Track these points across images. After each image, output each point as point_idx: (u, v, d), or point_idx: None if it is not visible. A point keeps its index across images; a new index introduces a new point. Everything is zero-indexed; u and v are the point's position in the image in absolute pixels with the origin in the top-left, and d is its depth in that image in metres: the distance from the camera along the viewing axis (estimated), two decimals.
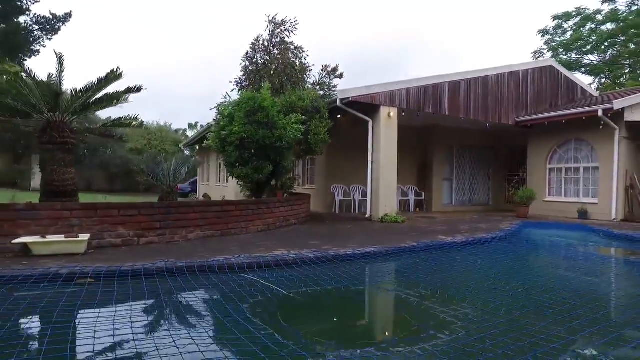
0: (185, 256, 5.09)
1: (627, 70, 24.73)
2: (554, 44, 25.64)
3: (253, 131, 8.22)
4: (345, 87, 10.58)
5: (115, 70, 6.32)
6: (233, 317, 3.19)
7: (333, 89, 11.10)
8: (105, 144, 25.43)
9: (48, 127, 6.13)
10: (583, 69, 25.25)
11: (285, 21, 11.68)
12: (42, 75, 6.22)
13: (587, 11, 23.89)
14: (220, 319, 3.14)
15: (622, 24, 22.39)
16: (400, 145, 10.73)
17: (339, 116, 11.02)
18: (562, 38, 25.30)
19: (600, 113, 10.56)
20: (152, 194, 26.66)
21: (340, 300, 4.02)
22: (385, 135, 10.50)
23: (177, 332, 2.98)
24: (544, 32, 25.86)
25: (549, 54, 25.50)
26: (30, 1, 20.22)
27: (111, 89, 6.53)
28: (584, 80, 18.50)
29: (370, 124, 10.63)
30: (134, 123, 7.41)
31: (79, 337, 2.83)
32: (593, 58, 25.19)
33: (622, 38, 23.02)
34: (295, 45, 11.73)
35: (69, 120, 6.40)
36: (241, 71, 11.90)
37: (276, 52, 11.64)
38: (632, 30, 21.99)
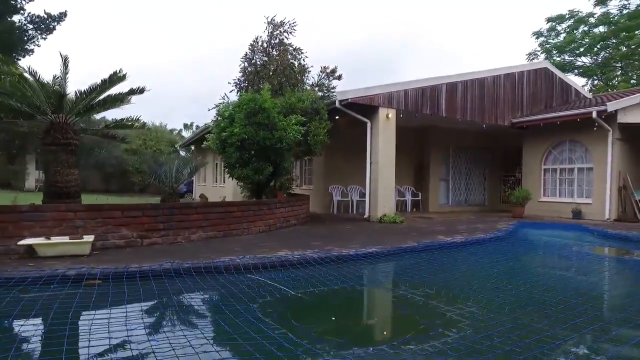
0: (190, 257, 5.12)
1: (618, 73, 25.12)
2: (548, 45, 25.97)
3: (253, 132, 8.26)
4: (344, 88, 10.66)
5: (118, 71, 6.34)
6: (245, 317, 3.24)
7: (332, 90, 11.15)
8: (100, 144, 25.28)
9: (51, 129, 6.13)
10: (576, 71, 25.61)
11: (284, 22, 11.70)
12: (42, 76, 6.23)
13: (580, 14, 24.24)
14: (232, 319, 3.19)
15: (613, 27, 22.75)
16: (397, 145, 10.84)
17: (337, 117, 11.09)
18: (556, 40, 25.64)
19: (594, 115, 10.75)
20: (148, 195, 26.59)
21: (347, 300, 4.09)
22: (383, 137, 10.60)
23: (192, 332, 3.04)
24: (538, 34, 26.19)
25: (543, 56, 25.81)
26: (24, 0, 20.06)
27: (114, 90, 6.55)
28: (577, 81, 18.78)
29: (369, 125, 10.72)
30: (136, 124, 7.42)
31: (95, 338, 2.87)
32: (586, 60, 25.57)
33: (614, 41, 23.39)
34: (294, 46, 11.77)
35: (72, 122, 6.41)
36: (240, 72, 11.89)
37: (275, 53, 11.66)
38: (624, 33, 22.35)
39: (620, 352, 2.79)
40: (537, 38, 26.38)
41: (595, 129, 11.13)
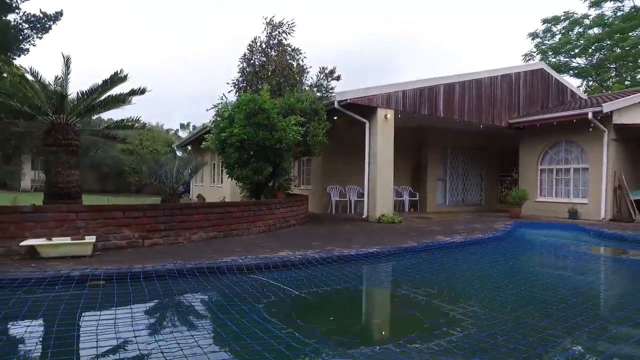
0: (192, 257, 5.14)
1: (613, 74, 25.37)
2: (543, 47, 26.18)
3: (253, 133, 8.27)
4: (343, 88, 10.70)
5: (119, 72, 6.33)
6: (251, 317, 3.27)
7: (330, 91, 11.19)
8: (96, 144, 25.15)
9: (52, 129, 6.11)
10: (571, 72, 25.84)
11: (282, 23, 11.71)
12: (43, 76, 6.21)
13: (575, 15, 24.45)
14: (239, 319, 3.21)
15: (607, 29, 22.98)
16: (394, 146, 10.89)
17: (335, 118, 11.13)
18: (552, 41, 25.85)
19: (590, 116, 10.86)
20: (144, 195, 26.51)
21: (351, 300, 4.13)
22: (382, 137, 10.65)
23: (199, 332, 3.06)
24: (534, 35, 26.39)
25: (539, 57, 26.02)
26: None
27: (115, 90, 6.55)
28: (572, 82, 18.93)
29: (367, 125, 10.77)
30: (137, 124, 7.41)
31: (103, 339, 2.88)
32: (581, 61, 25.80)
33: (608, 42, 23.63)
34: (293, 47, 11.78)
35: (73, 122, 6.39)
36: (238, 72, 11.89)
37: (273, 53, 11.68)
38: (618, 35, 22.58)
39: (621, 351, 2.85)
40: (533, 39, 26.60)
41: (591, 129, 11.25)
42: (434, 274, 5.09)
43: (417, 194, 14.34)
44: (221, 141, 8.81)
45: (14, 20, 20.88)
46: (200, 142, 13.21)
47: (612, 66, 24.95)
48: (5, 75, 5.99)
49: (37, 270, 4.25)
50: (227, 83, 12.02)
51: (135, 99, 7.29)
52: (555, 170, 12.73)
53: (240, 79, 11.88)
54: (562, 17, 24.90)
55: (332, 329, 3.29)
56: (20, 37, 21.29)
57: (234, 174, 8.92)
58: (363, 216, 10.94)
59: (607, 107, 10.79)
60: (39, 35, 21.58)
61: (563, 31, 25.15)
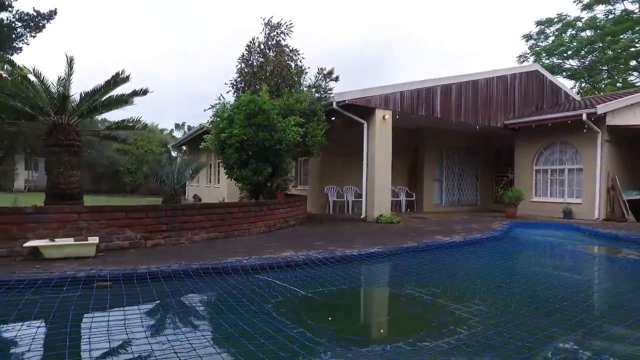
0: (196, 258, 5.15)
1: (605, 76, 25.75)
2: (537, 48, 26.48)
3: (253, 134, 8.29)
4: (341, 88, 10.77)
5: (121, 72, 6.33)
6: (261, 317, 3.31)
7: (329, 92, 11.25)
8: (91, 144, 24.91)
9: (54, 130, 6.09)
10: (564, 73, 26.17)
11: (280, 24, 11.75)
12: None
13: (568, 18, 24.77)
14: (249, 319, 3.25)
15: (600, 31, 23.32)
16: (391, 146, 10.97)
17: (333, 118, 11.18)
18: (545, 43, 26.16)
19: (584, 117, 11.04)
20: (139, 195, 26.36)
21: (357, 299, 4.18)
22: (380, 138, 10.72)
23: (210, 332, 3.09)
24: (528, 37, 26.68)
25: (532, 58, 26.33)
26: None
27: (117, 91, 6.53)
28: (565, 84, 19.19)
29: (365, 126, 10.83)
30: (138, 125, 7.40)
31: (115, 339, 2.90)
32: (573, 63, 26.14)
33: (600, 45, 23.97)
34: (291, 47, 11.82)
35: (75, 123, 6.37)
36: (236, 73, 11.90)
37: (272, 54, 11.70)
38: (609, 38, 22.92)
39: (623, 348, 2.93)
40: (527, 41, 26.90)
41: (585, 130, 11.42)
42: (437, 273, 5.16)
43: (414, 194, 14.45)
44: (221, 142, 8.82)
45: (7, 19, 20.65)
46: (196, 143, 13.18)
47: (604, 68, 25.31)
48: (4, 74, 5.94)
49: (42, 272, 4.24)
50: (225, 83, 12.03)
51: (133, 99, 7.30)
52: (550, 171, 12.90)
53: (239, 79, 11.88)
54: (556, 20, 25.23)
55: (342, 328, 3.34)
56: (14, 36, 21.07)
57: (234, 175, 8.93)
58: (361, 216, 11.01)
59: (601, 109, 10.96)
60: (33, 34, 21.38)
61: (556, 33, 25.48)
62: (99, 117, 24.50)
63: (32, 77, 5.80)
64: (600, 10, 23.88)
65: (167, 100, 69.83)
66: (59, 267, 4.49)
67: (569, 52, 25.28)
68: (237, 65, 11.91)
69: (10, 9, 20.53)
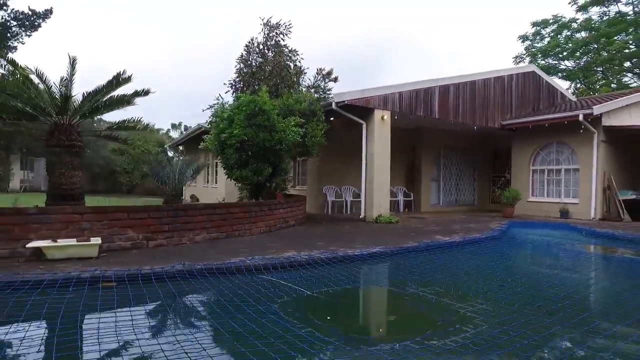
0: (199, 258, 5.16)
1: (599, 76, 26.00)
2: (533, 49, 26.68)
3: (254, 134, 8.31)
4: (338, 88, 10.82)
5: (122, 73, 6.31)
6: (269, 317, 3.33)
7: (328, 92, 11.30)
8: (87, 144, 24.81)
9: (56, 130, 6.07)
10: (560, 74, 26.39)
11: (279, 24, 11.79)
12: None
13: (563, 19, 24.98)
14: (258, 319, 3.27)
15: (594, 33, 23.54)
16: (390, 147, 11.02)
17: (331, 118, 11.21)
18: (541, 44, 26.37)
19: (581, 117, 11.15)
20: (135, 195, 26.25)
21: (362, 299, 4.22)
22: (379, 138, 10.77)
23: (219, 332, 3.10)
24: (523, 38, 26.88)
25: (528, 59, 26.52)
26: None
27: (119, 91, 6.52)
28: (561, 84, 19.34)
29: (364, 126, 10.87)
30: (139, 125, 7.39)
31: (126, 340, 2.91)
32: (569, 64, 26.37)
33: (595, 46, 24.20)
34: (290, 48, 11.87)
35: (77, 123, 6.35)
36: (235, 73, 11.93)
37: (271, 54, 11.74)
38: (604, 39, 23.14)
39: (627, 347, 2.98)
40: (523, 42, 27.11)
41: (581, 131, 11.54)
42: (439, 272, 5.21)
43: (412, 194, 14.51)
44: (221, 142, 8.82)
45: (2, 18, 20.50)
46: (194, 143, 13.16)
47: (599, 69, 25.56)
48: (4, 73, 5.91)
49: (47, 272, 4.23)
50: (224, 84, 12.06)
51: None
52: (546, 171, 13.02)
53: (237, 79, 11.91)
54: (551, 21, 25.43)
55: (349, 327, 3.37)
56: (9, 35, 20.90)
57: (234, 175, 8.93)
58: (360, 216, 11.05)
59: (597, 110, 11.08)
60: (28, 33, 21.23)
61: (552, 34, 25.69)
62: (95, 117, 24.37)
63: (33, 77, 5.78)
64: (595, 11, 24.15)
65: (163, 100, 69.59)
66: (63, 268, 4.48)
67: (565, 53, 25.51)
68: (235, 66, 11.94)
69: (5, 7, 20.37)
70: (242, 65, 11.87)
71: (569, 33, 25.11)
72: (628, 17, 22.89)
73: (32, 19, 20.51)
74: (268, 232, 8.02)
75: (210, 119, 10.76)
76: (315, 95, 10.98)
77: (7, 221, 5.09)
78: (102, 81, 6.33)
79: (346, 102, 10.24)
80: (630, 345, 2.97)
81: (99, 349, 2.70)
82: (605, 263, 6.75)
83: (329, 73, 11.55)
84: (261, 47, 11.80)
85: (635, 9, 23.02)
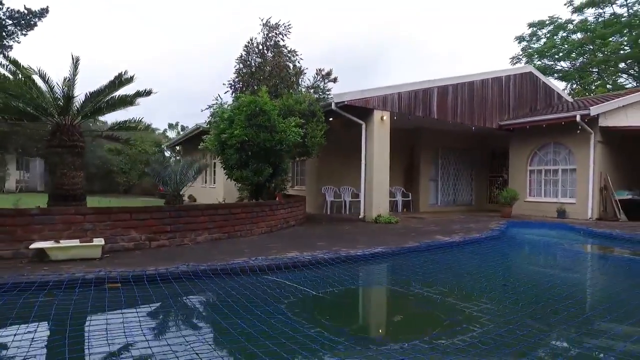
0: (202, 259, 5.16)
1: (595, 77, 26.22)
2: (530, 50, 26.86)
3: (254, 134, 8.31)
4: (337, 88, 10.84)
5: (124, 73, 6.30)
6: (277, 318, 3.35)
7: (327, 93, 11.33)
8: (85, 144, 24.68)
9: (57, 131, 6.04)
10: (556, 75, 26.58)
11: (279, 25, 11.80)
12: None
13: (559, 20, 25.16)
14: (266, 319, 3.28)
15: (590, 34, 23.74)
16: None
17: (330, 119, 11.24)
18: (537, 45, 26.55)
19: (578, 118, 11.25)
20: (132, 195, 26.12)
21: (367, 299, 4.24)
22: (378, 139, 10.81)
23: (229, 333, 3.11)
24: (520, 39, 27.05)
25: (525, 60, 26.71)
26: None
27: (120, 92, 6.50)
28: (557, 85, 19.50)
29: (364, 127, 10.91)
30: (140, 126, 7.37)
31: (137, 340, 2.92)
32: (565, 65, 26.57)
33: (591, 47, 24.41)
34: (289, 48, 11.89)
35: (78, 124, 6.33)
36: (234, 73, 11.93)
37: (270, 55, 11.75)
38: (599, 40, 23.35)
39: (631, 346, 3.03)
40: (520, 42, 27.28)
41: (578, 131, 11.64)
42: (442, 272, 5.25)
43: (410, 194, 14.57)
44: (221, 142, 8.82)
45: None
46: (192, 143, 13.14)
47: (594, 70, 25.77)
48: (6, 73, 5.87)
49: (51, 273, 4.22)
50: (224, 84, 12.04)
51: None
52: (544, 171, 13.12)
53: (237, 79, 11.90)
54: (547, 22, 25.61)
55: (357, 327, 3.39)
56: (4, 34, 20.75)
57: (234, 175, 8.93)
58: (360, 216, 11.08)
59: (594, 110, 11.19)
60: (24, 32, 21.11)
61: (548, 35, 25.88)
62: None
63: (36, 78, 5.75)
64: (590, 13, 24.36)
65: (161, 99, 69.21)
66: (67, 269, 4.47)
67: (560, 54, 25.70)
68: (235, 66, 11.93)
69: (0, 5, 20.23)
70: (241, 65, 11.87)
71: (564, 34, 25.32)
72: (623, 19, 23.11)
73: (27, 17, 20.39)
74: (269, 233, 8.03)
75: (209, 119, 10.76)
76: (315, 95, 10.99)
77: (9, 222, 5.06)
78: (102, 81, 6.33)
79: (346, 102, 10.27)
80: (633, 345, 3.02)
81: (109, 350, 2.70)
82: (604, 263, 6.82)
83: (329, 73, 11.58)
84: (260, 47, 11.81)
85: (630, 10, 23.26)
